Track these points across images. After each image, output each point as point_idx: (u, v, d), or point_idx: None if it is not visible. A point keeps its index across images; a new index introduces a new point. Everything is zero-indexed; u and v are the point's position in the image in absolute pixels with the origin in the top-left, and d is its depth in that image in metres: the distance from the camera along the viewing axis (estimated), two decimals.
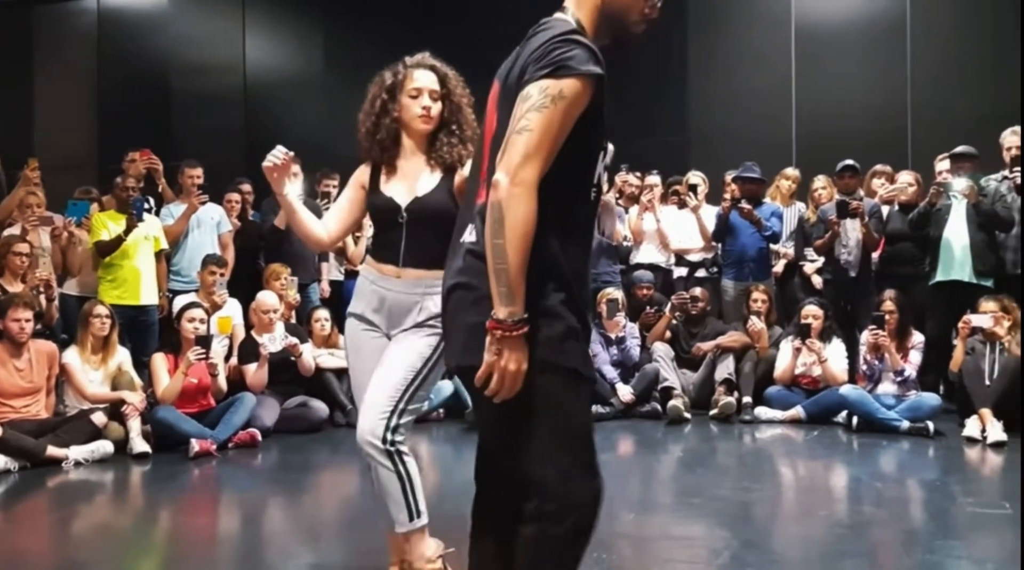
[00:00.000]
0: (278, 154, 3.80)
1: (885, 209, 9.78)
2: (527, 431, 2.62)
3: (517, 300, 2.50)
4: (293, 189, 9.78)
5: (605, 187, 3.33)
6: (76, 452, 7.19)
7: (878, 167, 10.28)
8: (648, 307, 10.04)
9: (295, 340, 8.72)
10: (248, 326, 9.13)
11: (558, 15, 2.75)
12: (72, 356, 7.91)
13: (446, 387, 8.95)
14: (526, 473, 2.65)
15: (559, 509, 2.62)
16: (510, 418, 2.61)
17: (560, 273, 2.61)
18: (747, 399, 9.11)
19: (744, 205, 9.80)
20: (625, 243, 10.48)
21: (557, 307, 2.60)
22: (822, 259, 9.93)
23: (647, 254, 10.59)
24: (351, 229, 4.35)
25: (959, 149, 9.24)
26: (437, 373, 3.87)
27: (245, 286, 9.73)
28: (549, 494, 2.62)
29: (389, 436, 3.74)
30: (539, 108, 2.50)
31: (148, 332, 9.11)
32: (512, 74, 2.67)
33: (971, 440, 7.74)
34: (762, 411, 8.98)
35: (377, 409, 3.77)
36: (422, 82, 3.97)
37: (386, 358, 3.89)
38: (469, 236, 2.73)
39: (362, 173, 4.13)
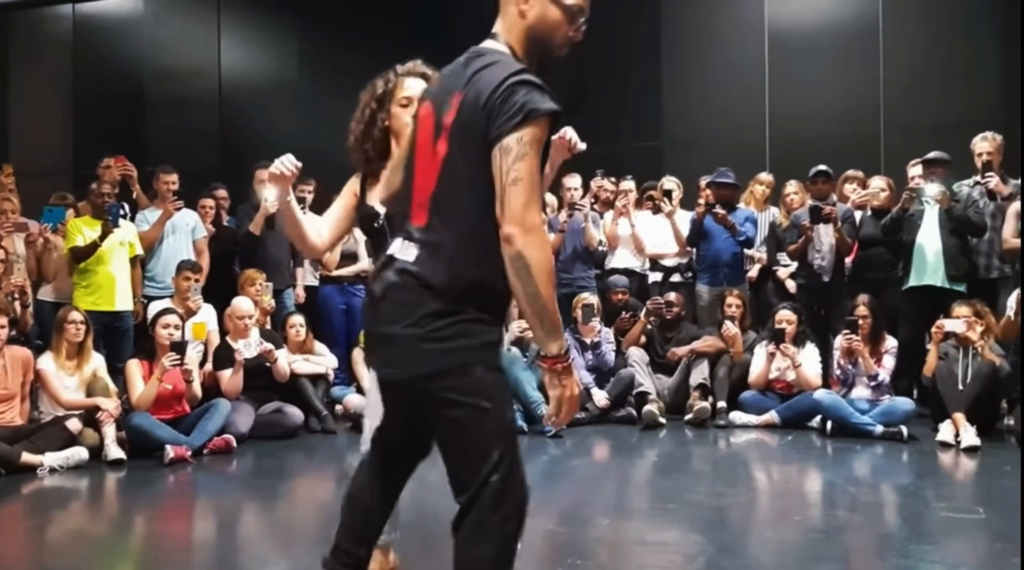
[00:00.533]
0: (288, 165, 3.66)
1: (858, 214, 9.81)
2: (483, 428, 2.85)
3: (559, 332, 2.82)
4: (269, 195, 9.77)
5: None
6: (51, 459, 7.18)
7: (850, 172, 10.31)
8: (623, 312, 10.06)
9: (270, 346, 8.71)
10: (223, 332, 9.12)
11: (491, 44, 2.97)
12: (47, 362, 7.89)
13: None
14: (478, 468, 2.83)
15: (505, 501, 2.85)
16: (470, 419, 2.84)
17: (495, 292, 2.87)
18: (722, 404, 9.12)
19: (718, 210, 9.83)
20: (600, 248, 10.48)
21: (489, 319, 2.88)
22: (795, 264, 9.95)
23: (622, 259, 10.59)
24: (343, 235, 4.30)
25: (931, 154, 9.27)
26: None
27: (220, 292, 9.68)
28: (496, 487, 2.83)
29: None
30: (522, 157, 2.71)
31: (123, 338, 9.08)
32: (467, 107, 2.82)
33: (944, 445, 7.78)
34: (737, 416, 9.00)
35: None
36: (413, 91, 3.88)
37: None
38: (403, 253, 2.93)
39: (355, 182, 4.09)
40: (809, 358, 8.97)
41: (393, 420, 3.20)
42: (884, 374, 8.53)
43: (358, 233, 10.04)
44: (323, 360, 9.40)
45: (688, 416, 9.05)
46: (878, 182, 9.88)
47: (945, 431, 7.90)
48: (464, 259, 2.81)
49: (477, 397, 2.82)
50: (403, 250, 2.92)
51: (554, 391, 2.85)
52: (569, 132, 3.67)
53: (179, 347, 7.86)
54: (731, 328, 9.39)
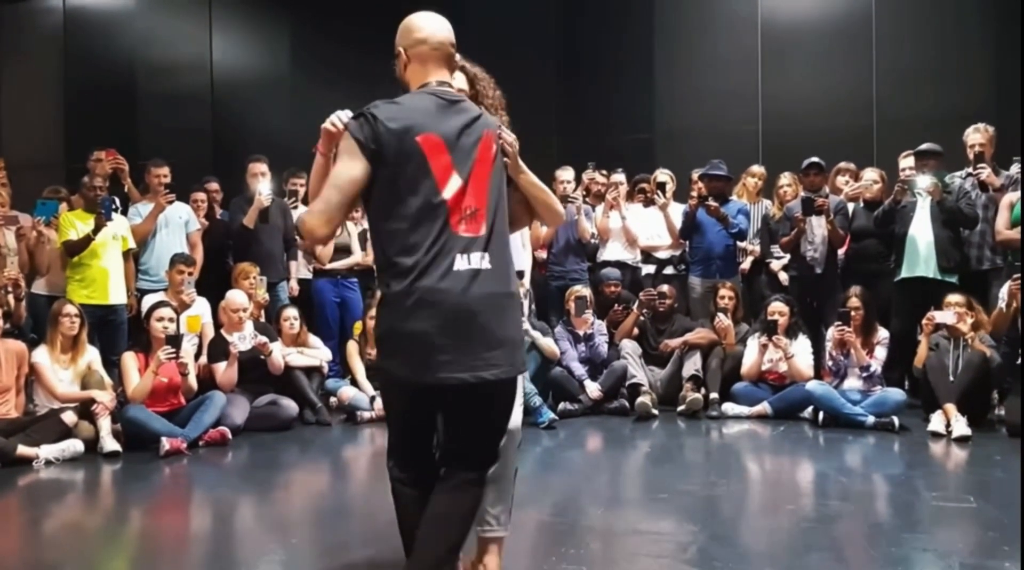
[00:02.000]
0: (343, 117, 3.51)
1: (850, 206, 9.81)
2: (509, 412, 3.58)
3: None
4: (263, 188, 9.78)
5: None
6: (46, 451, 7.20)
7: (843, 164, 10.31)
8: (616, 304, 10.07)
9: (264, 339, 8.74)
10: (217, 325, 9.13)
11: (460, 93, 3.55)
12: (42, 355, 7.90)
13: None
14: (492, 451, 3.54)
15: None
16: (505, 416, 3.56)
17: None
18: (714, 395, 9.14)
19: (711, 202, 9.85)
20: (592, 241, 10.49)
21: None
22: (788, 256, 9.95)
23: (614, 252, 10.57)
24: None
25: (923, 146, 9.31)
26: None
27: (214, 285, 9.70)
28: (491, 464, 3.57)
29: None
30: None
31: (117, 331, 9.09)
32: (495, 141, 3.49)
33: (936, 435, 7.81)
34: (729, 407, 9.03)
35: None
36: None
37: None
38: (479, 263, 3.33)
39: None
40: (801, 349, 8.99)
41: (427, 418, 3.57)
42: (876, 365, 8.55)
43: (351, 226, 10.09)
44: (317, 353, 9.42)
45: (681, 407, 9.07)
46: (870, 174, 9.88)
47: (936, 421, 7.92)
48: (512, 267, 3.48)
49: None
50: (477, 260, 3.32)
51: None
52: None
53: (175, 340, 7.89)
54: (723, 320, 9.42)
